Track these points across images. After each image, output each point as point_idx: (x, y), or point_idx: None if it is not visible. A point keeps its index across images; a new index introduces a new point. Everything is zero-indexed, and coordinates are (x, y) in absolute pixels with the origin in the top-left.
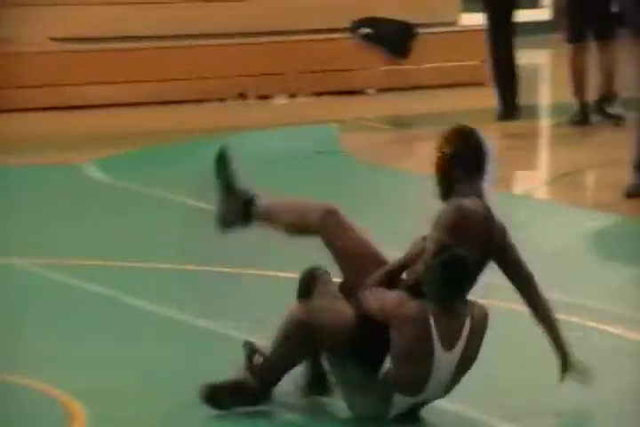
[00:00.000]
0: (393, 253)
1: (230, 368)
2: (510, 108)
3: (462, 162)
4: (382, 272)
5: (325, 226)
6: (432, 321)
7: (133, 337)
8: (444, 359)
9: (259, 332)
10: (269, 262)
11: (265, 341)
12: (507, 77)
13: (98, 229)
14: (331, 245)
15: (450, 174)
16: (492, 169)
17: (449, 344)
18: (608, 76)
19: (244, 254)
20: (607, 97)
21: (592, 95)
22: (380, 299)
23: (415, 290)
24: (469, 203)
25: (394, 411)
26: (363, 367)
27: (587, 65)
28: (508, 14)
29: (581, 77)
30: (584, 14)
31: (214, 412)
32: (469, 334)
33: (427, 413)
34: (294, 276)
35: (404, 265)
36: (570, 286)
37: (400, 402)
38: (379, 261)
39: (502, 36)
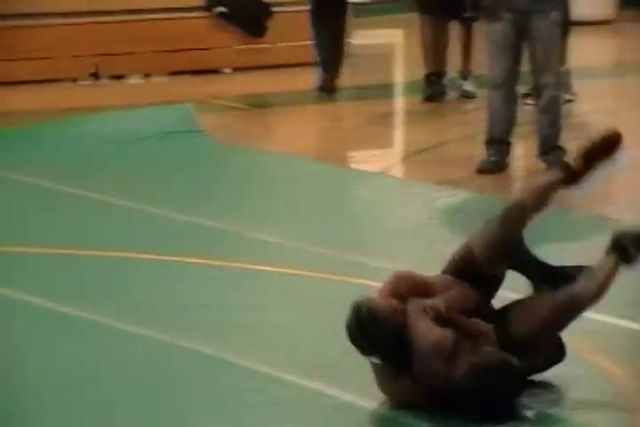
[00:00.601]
0: (248, 232)
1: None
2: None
3: None
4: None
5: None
6: None
7: None
8: None
9: (115, 316)
10: (126, 245)
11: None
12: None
13: None
14: None
15: None
16: None
17: None
18: (463, 54)
19: (103, 237)
20: (461, 74)
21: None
22: None
23: None
24: None
25: None
26: None
27: (438, 39)
28: None
29: (431, 51)
30: None
31: None
32: None
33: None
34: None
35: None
36: (425, 259)
37: None
38: None
39: (326, 15)
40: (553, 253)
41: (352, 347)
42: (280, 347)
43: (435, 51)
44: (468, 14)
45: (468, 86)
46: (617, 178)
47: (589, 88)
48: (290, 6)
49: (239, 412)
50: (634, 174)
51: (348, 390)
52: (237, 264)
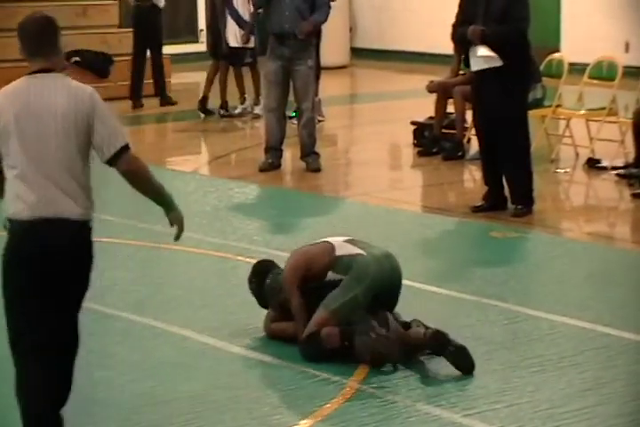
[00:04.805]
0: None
1: None
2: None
3: None
4: None
5: None
6: None
7: None
8: None
9: None
10: None
11: None
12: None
13: None
14: None
15: None
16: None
17: None
18: (254, 88)
19: None
20: (254, 101)
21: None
22: None
23: None
24: None
25: None
26: None
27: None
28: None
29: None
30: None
31: None
32: None
33: None
34: None
35: None
36: (223, 230)
37: None
38: None
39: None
40: (305, 225)
41: (170, 291)
42: (119, 295)
43: (223, 89)
44: (248, 60)
45: (257, 110)
46: (353, 171)
47: (333, 111)
48: (125, 56)
49: (85, 341)
50: (366, 168)
51: (171, 324)
52: None
